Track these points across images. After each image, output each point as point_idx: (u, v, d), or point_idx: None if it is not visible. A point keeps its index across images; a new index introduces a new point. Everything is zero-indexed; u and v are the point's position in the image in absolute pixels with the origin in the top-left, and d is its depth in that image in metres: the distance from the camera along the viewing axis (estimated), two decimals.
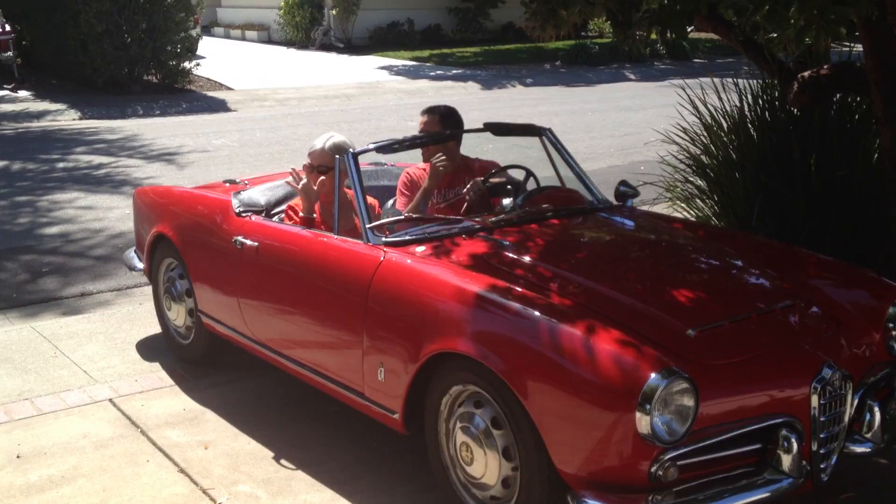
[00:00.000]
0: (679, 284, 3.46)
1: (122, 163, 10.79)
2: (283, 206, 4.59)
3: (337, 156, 4.15)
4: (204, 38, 24.53)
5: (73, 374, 4.92)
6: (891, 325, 3.44)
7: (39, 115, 14.56)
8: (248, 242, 4.33)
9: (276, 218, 4.57)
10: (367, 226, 3.85)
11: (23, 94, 16.45)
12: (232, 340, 4.61)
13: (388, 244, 3.78)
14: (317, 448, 4.11)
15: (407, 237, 3.85)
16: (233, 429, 4.31)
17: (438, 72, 21.13)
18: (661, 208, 7.66)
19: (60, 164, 10.77)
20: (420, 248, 3.75)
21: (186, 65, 17.68)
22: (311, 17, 26.11)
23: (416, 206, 4.40)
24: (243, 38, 29.73)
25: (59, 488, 3.79)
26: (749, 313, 3.30)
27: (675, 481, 2.83)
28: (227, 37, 30.49)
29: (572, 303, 3.22)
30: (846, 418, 3.16)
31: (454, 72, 21.08)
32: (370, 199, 4.25)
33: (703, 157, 5.91)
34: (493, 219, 3.99)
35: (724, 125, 5.77)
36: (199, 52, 20.65)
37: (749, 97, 5.62)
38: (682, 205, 6.10)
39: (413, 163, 4.99)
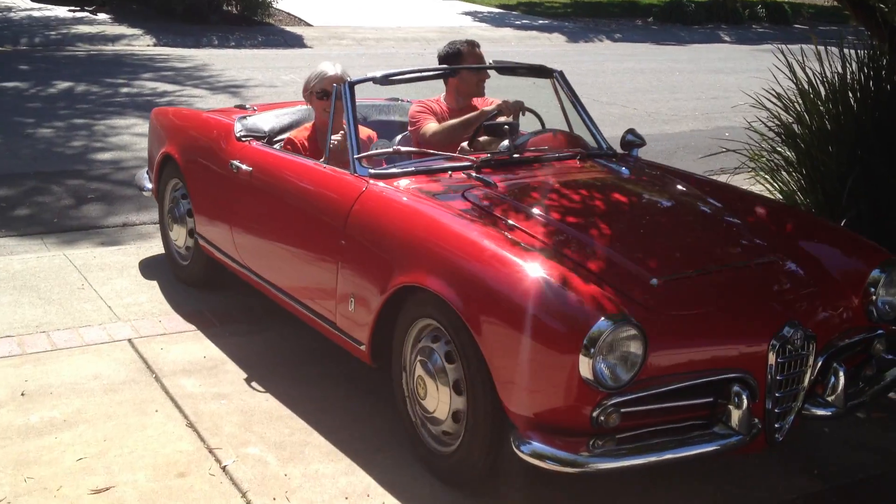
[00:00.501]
0: (655, 235, 3.46)
1: (186, 92, 10.56)
2: (286, 135, 4.57)
3: (335, 84, 4.10)
4: None
5: (96, 309, 4.66)
6: (871, 289, 3.30)
7: (114, 39, 14.45)
8: (244, 167, 4.33)
9: (277, 145, 4.52)
10: (355, 156, 3.83)
11: (102, 16, 16.38)
12: (224, 265, 4.62)
13: (373, 175, 3.76)
14: (336, 412, 3.76)
15: (393, 170, 3.84)
16: (251, 383, 3.99)
17: (524, 21, 20.46)
18: (741, 180, 7.09)
19: (124, 90, 10.59)
20: (404, 182, 3.72)
21: None
22: None
23: (448, 129, 4.30)
24: None
25: (59, 433, 3.52)
26: (720, 267, 3.24)
27: (618, 427, 2.80)
28: None
29: (539, 245, 3.17)
30: (807, 379, 3.06)
31: (540, 22, 20.39)
32: (369, 132, 4.34)
33: (794, 126, 5.35)
34: (484, 157, 3.94)
35: (822, 93, 5.19)
36: None
37: (853, 64, 5.02)
38: (766, 176, 5.54)
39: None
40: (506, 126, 4.16)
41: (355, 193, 3.66)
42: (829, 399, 3.13)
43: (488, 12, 21.63)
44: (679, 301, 3.00)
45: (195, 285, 5.00)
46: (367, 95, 4.89)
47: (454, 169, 3.83)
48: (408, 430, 3.45)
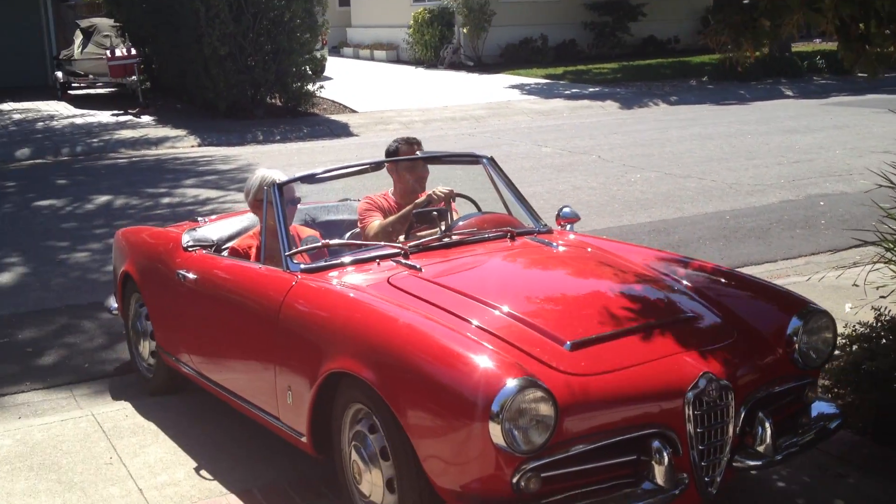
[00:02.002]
0: (573, 303, 3.58)
1: (229, 197, 9.92)
2: (232, 243, 4.71)
3: (265, 188, 4.23)
4: (332, 58, 24.04)
5: (124, 494, 3.85)
6: (794, 337, 3.38)
7: (158, 142, 14.04)
8: (189, 275, 4.47)
9: (224, 253, 4.64)
10: (286, 253, 3.95)
11: (146, 119, 16.08)
12: (180, 372, 4.69)
13: (304, 270, 3.88)
14: None
15: (322, 264, 3.95)
16: None
17: (573, 90, 19.80)
18: (874, 273, 6.16)
19: (165, 200, 10.01)
20: (333, 274, 3.83)
21: (310, 87, 16.97)
22: (441, 35, 25.22)
23: (388, 224, 4.51)
24: (372, 58, 29.15)
25: None
26: (635, 328, 3.27)
27: (541, 492, 2.82)
28: (356, 56, 30.01)
29: (454, 320, 3.23)
30: (730, 430, 3.10)
31: (590, 90, 19.70)
32: (310, 231, 4.55)
33: None
34: (412, 243, 4.08)
35: None
36: (326, 73, 20.04)
37: None
38: None
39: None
40: (434, 213, 4.38)
41: (286, 288, 3.77)
42: (760, 449, 3.17)
43: (535, 84, 21.02)
44: (593, 362, 3.04)
45: (159, 394, 4.99)
46: (320, 198, 5.41)
47: (383, 257, 3.94)
48: None
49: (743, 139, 12.92)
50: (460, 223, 4.32)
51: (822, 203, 8.98)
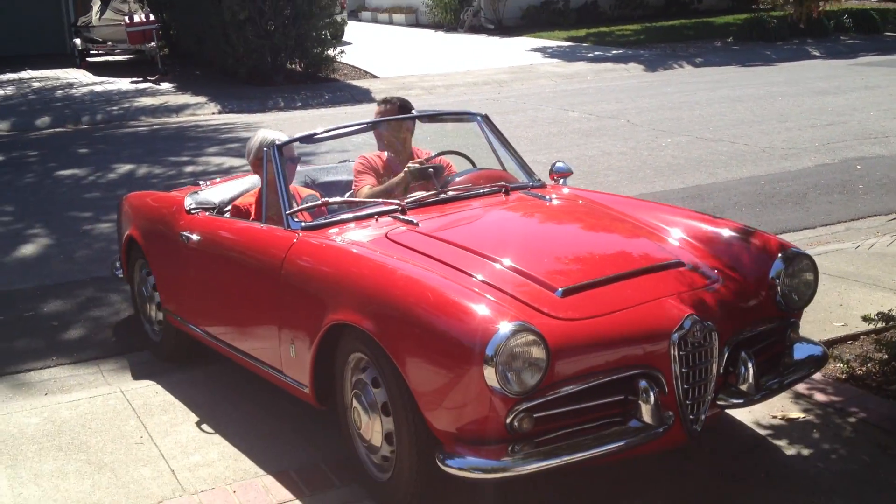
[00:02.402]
0: (565, 252, 3.69)
1: None
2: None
3: (265, 149, 4.31)
4: (350, 23, 23.72)
5: (156, 476, 3.75)
6: (776, 280, 3.48)
7: (178, 110, 13.88)
8: (193, 237, 4.58)
9: (226, 215, 4.75)
10: (286, 212, 4.07)
11: (165, 86, 15.91)
12: (189, 333, 4.77)
13: (304, 228, 4.00)
14: None
15: (322, 221, 4.07)
16: None
17: (596, 52, 19.44)
18: None
19: (188, 168, 9.86)
20: (333, 230, 3.96)
21: (331, 52, 16.72)
22: None
23: (383, 191, 4.48)
24: (391, 22, 28.80)
25: None
26: (623, 274, 3.38)
27: (535, 431, 2.95)
28: (375, 21, 29.65)
29: (450, 271, 3.35)
30: (714, 370, 3.21)
31: (614, 52, 19.34)
32: (309, 191, 4.58)
33: None
34: (409, 199, 4.16)
35: None
36: (344, 39, 19.75)
37: None
38: None
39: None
40: (430, 169, 4.43)
41: (287, 245, 3.90)
42: (742, 388, 3.29)
43: (557, 47, 20.67)
44: (583, 307, 3.16)
45: (170, 360, 5.06)
46: (323, 161, 5.56)
47: (381, 213, 4.05)
48: (358, 466, 3.54)
49: (773, 101, 12.62)
50: (456, 179, 4.44)
51: (858, 167, 8.73)
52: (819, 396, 4.10)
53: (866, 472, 3.50)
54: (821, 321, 4.91)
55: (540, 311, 3.10)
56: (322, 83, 16.09)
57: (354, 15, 29.75)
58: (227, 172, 9.42)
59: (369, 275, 3.44)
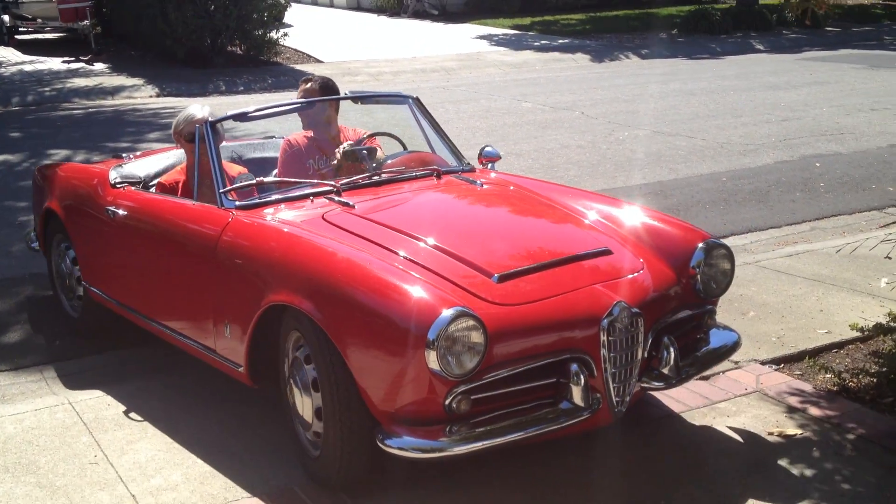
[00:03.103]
0: (498, 238, 3.77)
1: None
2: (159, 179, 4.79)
3: (197, 125, 4.27)
4: (291, 5, 23.20)
5: (115, 502, 3.42)
6: (696, 268, 3.61)
7: (114, 92, 13.31)
8: (119, 212, 4.52)
9: (152, 190, 4.72)
10: (220, 191, 4.03)
11: (99, 66, 15.27)
12: (111, 308, 4.74)
13: (238, 207, 3.97)
14: None
15: (257, 200, 4.04)
16: None
17: (543, 41, 19.31)
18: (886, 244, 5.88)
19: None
20: (268, 210, 3.94)
21: (273, 35, 16.26)
22: None
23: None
24: (331, 5, 28.30)
25: None
26: (554, 261, 3.49)
27: (471, 413, 3.05)
28: (315, 3, 29.09)
29: (388, 255, 3.42)
30: (639, 354, 3.33)
31: (560, 41, 19.24)
32: (239, 168, 4.51)
33: None
34: (344, 181, 4.16)
35: None
36: (285, 20, 19.24)
37: None
38: None
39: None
40: (364, 151, 4.44)
41: (222, 224, 3.88)
42: (664, 371, 3.43)
43: (503, 35, 20.48)
44: (518, 293, 3.26)
45: (90, 336, 5.04)
46: (248, 137, 5.32)
47: (316, 194, 4.05)
48: (296, 444, 3.57)
49: (725, 95, 12.59)
50: (389, 161, 4.46)
51: (817, 164, 8.70)
52: (814, 411, 3.95)
53: (874, 494, 3.35)
54: (803, 328, 4.79)
55: (478, 296, 3.20)
56: (264, 66, 15.62)
57: None
58: None
59: (309, 257, 3.46)
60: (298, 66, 15.88)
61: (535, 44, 19.00)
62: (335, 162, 4.46)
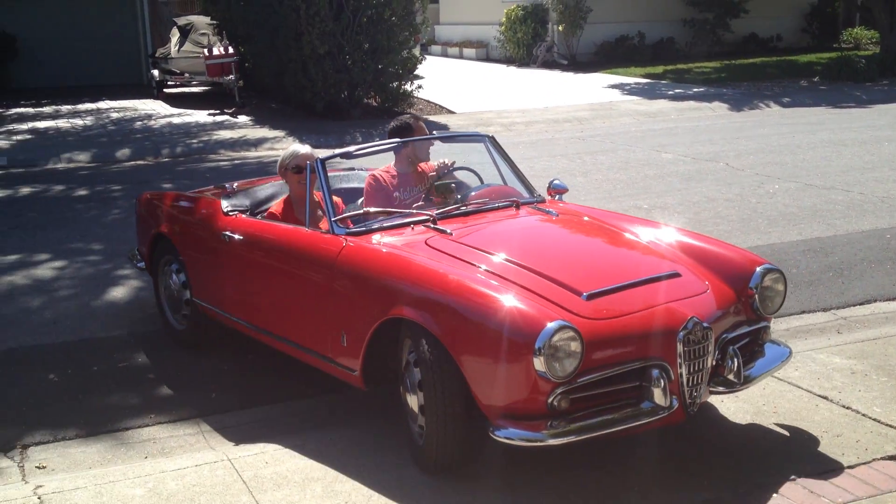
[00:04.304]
0: (579, 261, 4.33)
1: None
2: (266, 206, 5.45)
3: (308, 161, 4.89)
4: (426, 58, 23.58)
5: None
6: (754, 290, 4.17)
7: (257, 143, 13.72)
8: (236, 236, 5.14)
9: (258, 216, 5.36)
10: (333, 219, 4.60)
11: (242, 119, 15.81)
12: (222, 320, 5.34)
13: (349, 234, 4.54)
14: None
15: (364, 228, 4.59)
16: None
17: (677, 90, 18.94)
18: None
19: None
20: (376, 237, 4.50)
21: (408, 87, 16.50)
22: (534, 32, 24.55)
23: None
24: (461, 56, 28.65)
25: None
26: (634, 282, 4.04)
27: (568, 410, 3.60)
28: (444, 55, 29.54)
29: (492, 276, 3.99)
30: (709, 363, 3.88)
31: (695, 90, 18.82)
32: (335, 198, 4.89)
33: None
34: (438, 211, 4.70)
35: None
36: (416, 72, 19.53)
37: None
38: None
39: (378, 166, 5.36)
40: (453, 184, 4.93)
41: (338, 247, 4.45)
42: (729, 377, 3.94)
43: (635, 83, 20.23)
44: (605, 309, 3.80)
45: (194, 346, 5.67)
46: (332, 169, 5.58)
47: (415, 223, 4.62)
48: (407, 433, 4.12)
49: (879, 146, 11.97)
50: (473, 193, 4.98)
51: None
52: None
53: None
54: None
55: (572, 311, 3.74)
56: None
57: (424, 48, 29.66)
58: None
59: (424, 277, 4.00)
60: (432, 118, 16.03)
61: (669, 92, 18.66)
62: (423, 194, 4.97)
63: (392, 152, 5.21)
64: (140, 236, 6.33)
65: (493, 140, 5.30)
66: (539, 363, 3.48)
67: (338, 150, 5.08)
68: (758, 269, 4.22)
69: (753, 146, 12.22)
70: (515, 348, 3.54)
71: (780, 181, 9.93)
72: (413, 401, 3.97)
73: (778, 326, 5.90)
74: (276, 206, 5.27)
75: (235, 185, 5.92)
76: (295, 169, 5.06)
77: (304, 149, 5.13)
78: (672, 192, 9.54)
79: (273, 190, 5.68)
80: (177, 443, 4.59)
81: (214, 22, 18.26)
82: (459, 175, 5.22)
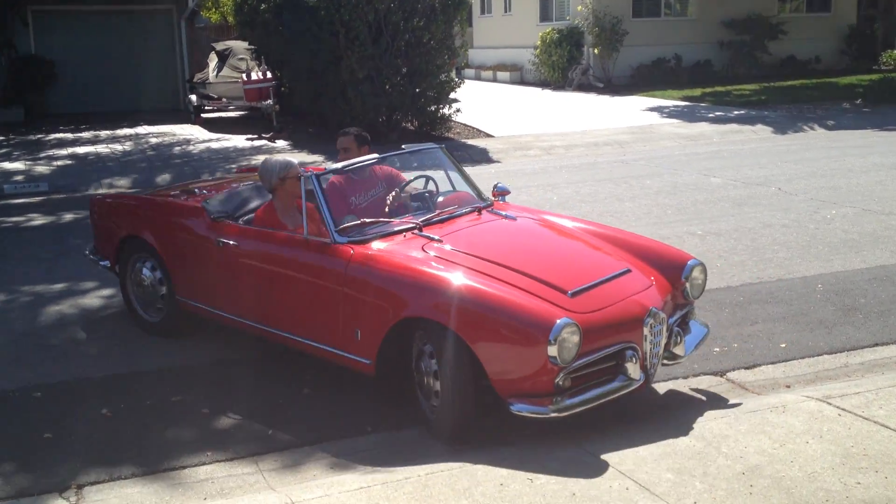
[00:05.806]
0: (552, 261, 5.04)
1: None
2: (247, 211, 5.97)
3: (303, 177, 5.24)
4: (465, 81, 23.52)
5: None
6: (686, 280, 5.13)
7: None
8: (230, 242, 5.60)
9: (240, 221, 5.84)
10: (335, 228, 5.09)
11: (280, 143, 15.76)
12: (209, 316, 5.89)
13: (351, 241, 5.06)
14: None
15: (361, 237, 5.10)
16: None
17: (717, 113, 18.69)
18: None
19: None
20: (376, 244, 5.05)
21: (445, 111, 16.39)
22: (569, 55, 24.45)
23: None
24: (494, 80, 28.60)
25: None
26: (603, 279, 4.86)
27: (570, 386, 4.43)
28: (478, 78, 29.51)
29: (493, 276, 4.70)
30: (664, 342, 4.85)
31: (736, 113, 18.57)
32: (308, 205, 5.23)
33: None
34: (421, 220, 5.29)
35: None
36: (451, 96, 19.44)
37: None
38: None
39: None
40: (426, 193, 5.76)
41: (347, 255, 4.98)
42: (675, 351, 4.97)
43: (674, 106, 20.00)
44: (587, 304, 4.63)
45: (171, 335, 6.23)
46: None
47: (405, 230, 5.18)
48: (420, 412, 4.84)
49: None
50: (440, 200, 5.65)
51: None
52: None
53: None
54: None
55: (562, 307, 4.51)
56: (437, 142, 15.66)
57: (458, 72, 29.64)
58: None
59: (437, 280, 4.62)
60: (470, 141, 15.90)
61: (710, 115, 18.41)
62: (389, 202, 5.56)
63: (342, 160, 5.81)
64: (100, 237, 6.74)
65: (443, 148, 5.96)
66: (552, 351, 4.26)
67: (331, 166, 5.48)
68: (689, 262, 5.16)
69: (804, 170, 11.95)
70: (533, 339, 4.30)
71: (837, 206, 9.65)
72: (427, 382, 4.69)
73: (852, 360, 5.66)
74: (261, 212, 5.66)
75: (204, 190, 6.40)
76: (295, 179, 5.44)
77: (294, 161, 5.62)
78: (725, 218, 9.29)
79: (247, 194, 6.16)
80: (235, 483, 4.42)
81: (252, 47, 18.28)
82: (415, 183, 5.87)
